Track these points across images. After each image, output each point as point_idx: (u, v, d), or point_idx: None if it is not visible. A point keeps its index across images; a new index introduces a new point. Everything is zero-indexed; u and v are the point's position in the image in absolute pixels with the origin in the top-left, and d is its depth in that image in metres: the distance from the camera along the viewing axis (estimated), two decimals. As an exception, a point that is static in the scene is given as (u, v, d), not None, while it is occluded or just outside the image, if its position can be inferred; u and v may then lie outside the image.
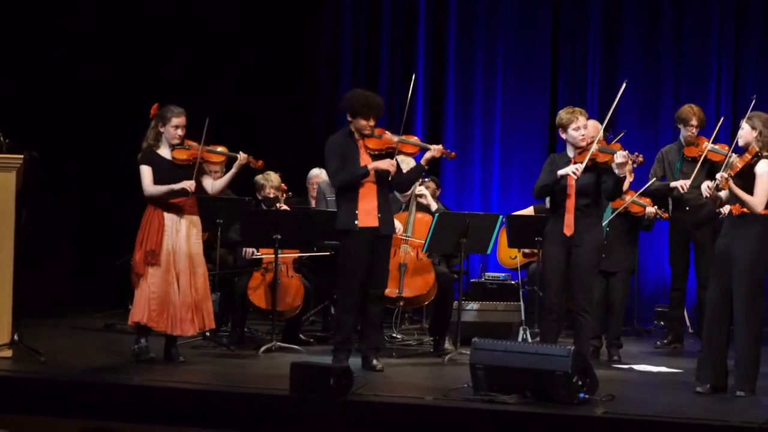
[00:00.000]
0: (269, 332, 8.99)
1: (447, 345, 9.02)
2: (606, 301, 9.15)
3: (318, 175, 10.10)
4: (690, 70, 12.04)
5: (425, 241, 8.85)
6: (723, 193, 7.57)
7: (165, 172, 8.13)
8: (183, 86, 10.73)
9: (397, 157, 8.20)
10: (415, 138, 8.42)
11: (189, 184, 8.09)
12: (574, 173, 7.93)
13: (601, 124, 8.48)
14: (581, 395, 6.89)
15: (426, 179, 9.69)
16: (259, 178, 9.56)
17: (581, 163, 7.97)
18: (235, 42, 12.12)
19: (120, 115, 10.99)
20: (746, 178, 7.38)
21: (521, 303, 9.68)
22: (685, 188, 9.45)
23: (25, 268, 8.12)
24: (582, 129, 8.07)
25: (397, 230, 8.87)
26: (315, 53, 12.60)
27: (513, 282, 10.46)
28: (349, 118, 8.12)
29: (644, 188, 9.38)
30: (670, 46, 12.10)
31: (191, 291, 8.11)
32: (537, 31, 12.32)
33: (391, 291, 8.70)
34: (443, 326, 9.12)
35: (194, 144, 8.22)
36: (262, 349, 8.74)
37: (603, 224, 8.92)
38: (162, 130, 8.19)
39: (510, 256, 10.39)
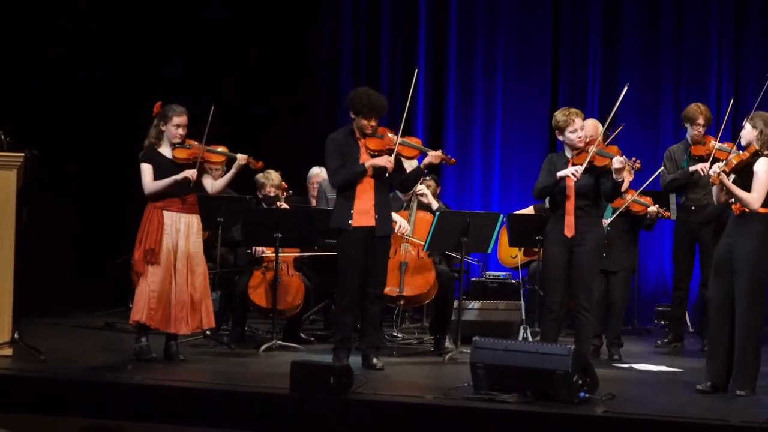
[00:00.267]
0: (270, 331, 8.98)
1: (447, 344, 9.03)
2: (606, 301, 9.15)
3: (318, 174, 10.10)
4: (690, 70, 12.05)
5: (426, 239, 8.85)
6: (714, 189, 7.59)
7: (165, 170, 8.12)
8: (183, 86, 10.72)
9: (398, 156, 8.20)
10: (417, 140, 8.40)
11: (191, 173, 8.07)
12: (573, 174, 7.93)
13: (602, 125, 8.49)
14: (581, 394, 6.88)
15: (426, 178, 9.69)
16: (259, 176, 9.57)
17: (580, 164, 7.97)
18: (235, 42, 12.12)
19: (120, 115, 10.99)
20: (745, 176, 7.38)
21: (522, 302, 9.69)
22: (705, 170, 9.33)
23: (25, 267, 8.12)
24: (579, 131, 8.08)
25: (402, 227, 8.88)
26: (315, 53, 12.61)
27: (513, 281, 10.48)
28: (353, 116, 8.12)
29: (643, 186, 9.38)
30: (670, 46, 12.11)
31: (188, 289, 8.11)
32: (537, 31, 12.33)
33: (391, 290, 8.70)
34: (444, 325, 9.13)
35: (195, 143, 8.22)
36: (263, 347, 8.74)
37: (605, 224, 8.95)
38: (163, 128, 8.19)
39: (511, 255, 10.40)
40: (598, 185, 8.04)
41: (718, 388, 7.42)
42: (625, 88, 8.33)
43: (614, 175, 7.90)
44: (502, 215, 9.13)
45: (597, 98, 12.14)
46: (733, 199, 7.55)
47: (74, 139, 11.04)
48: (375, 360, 8.08)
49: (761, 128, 7.45)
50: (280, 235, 8.78)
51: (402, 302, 9.14)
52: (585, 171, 8.00)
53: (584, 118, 8.28)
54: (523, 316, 9.53)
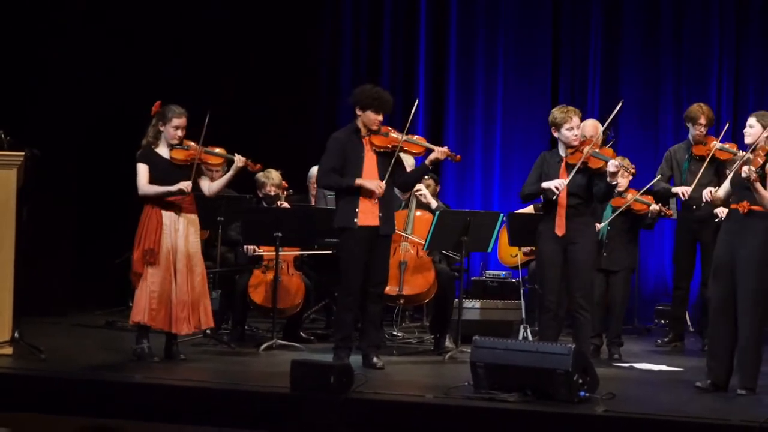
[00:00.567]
0: (270, 330, 8.99)
1: (448, 343, 9.03)
2: (607, 300, 9.15)
3: (319, 173, 10.11)
4: (690, 70, 12.05)
5: (426, 239, 8.85)
6: (722, 192, 7.57)
7: (162, 171, 8.11)
8: (183, 86, 10.72)
9: (399, 154, 8.20)
10: (421, 138, 8.41)
11: (186, 185, 8.06)
12: (556, 188, 7.94)
13: (602, 125, 8.50)
14: (582, 394, 6.87)
15: (426, 177, 9.68)
16: (260, 175, 9.56)
17: (574, 162, 7.96)
18: (235, 42, 12.12)
19: (120, 115, 10.98)
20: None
21: (522, 301, 9.68)
22: (686, 195, 9.42)
23: (25, 266, 8.11)
24: (575, 129, 8.09)
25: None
26: (315, 53, 12.61)
27: (513, 280, 10.48)
28: (359, 112, 8.11)
29: (647, 187, 9.38)
30: (670, 46, 12.11)
31: (188, 289, 8.10)
32: (537, 31, 12.34)
33: (391, 289, 8.70)
34: (444, 324, 9.13)
35: (193, 145, 8.20)
36: (263, 346, 8.73)
37: (604, 223, 8.95)
38: (162, 129, 8.18)
39: (510, 254, 10.40)
40: (591, 186, 8.05)
41: (719, 387, 7.42)
42: (619, 105, 8.33)
43: (609, 179, 7.91)
44: (502, 214, 9.13)
45: (597, 98, 12.14)
46: (730, 198, 7.54)
47: (74, 139, 11.03)
48: (375, 359, 8.08)
49: None
50: (280, 235, 8.77)
51: (402, 301, 9.14)
52: (578, 171, 8.00)
53: (581, 118, 8.29)
54: (523, 315, 9.52)
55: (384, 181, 8.05)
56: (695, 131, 9.66)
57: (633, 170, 8.32)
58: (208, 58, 11.91)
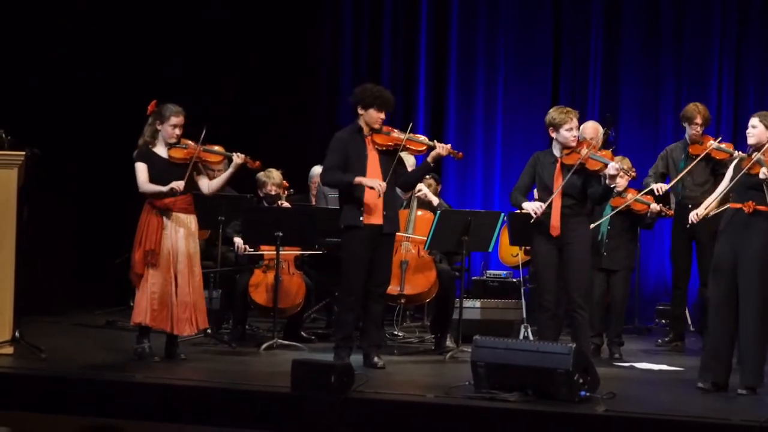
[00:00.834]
0: (270, 329, 8.99)
1: (448, 343, 9.03)
2: (607, 300, 9.15)
3: (320, 173, 10.10)
4: (691, 70, 12.05)
5: (427, 238, 8.85)
6: (712, 204, 7.57)
7: (161, 170, 8.09)
8: (183, 86, 10.72)
9: (400, 154, 8.21)
10: (423, 137, 8.42)
11: (178, 184, 8.04)
12: (534, 212, 7.94)
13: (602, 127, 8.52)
14: (582, 393, 6.87)
15: (427, 177, 9.68)
16: (260, 175, 9.56)
17: (570, 163, 7.96)
18: (235, 42, 12.12)
19: (120, 115, 10.97)
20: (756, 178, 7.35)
21: (522, 301, 9.69)
22: (660, 191, 9.42)
23: (25, 267, 8.10)
24: (575, 130, 8.09)
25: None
26: (315, 53, 12.61)
27: (514, 280, 10.49)
28: (361, 111, 8.11)
29: (647, 189, 9.39)
30: (670, 46, 12.11)
31: (190, 290, 8.10)
32: (538, 31, 12.34)
33: (392, 288, 8.69)
34: (444, 324, 9.13)
35: (191, 143, 8.19)
36: (264, 346, 8.73)
37: (602, 219, 8.95)
38: (159, 128, 8.16)
39: (511, 253, 10.41)
40: (586, 187, 8.05)
41: (720, 386, 7.42)
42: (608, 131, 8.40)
43: (608, 181, 7.90)
44: (503, 214, 9.13)
45: (598, 98, 12.14)
46: (730, 198, 7.54)
47: (74, 139, 11.03)
48: (376, 359, 8.08)
49: None
50: (281, 234, 8.77)
51: (403, 301, 9.14)
52: (575, 172, 8.00)
53: (582, 119, 8.30)
54: (524, 315, 9.53)
55: (386, 180, 8.04)
56: (691, 131, 9.67)
57: (633, 173, 8.32)
58: (208, 58, 11.91)
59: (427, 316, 10.28)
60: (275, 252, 8.85)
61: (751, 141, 7.53)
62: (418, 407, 6.84)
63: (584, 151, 8.01)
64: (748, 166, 7.37)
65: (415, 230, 9.17)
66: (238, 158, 8.20)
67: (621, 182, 8.82)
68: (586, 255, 8.12)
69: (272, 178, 9.57)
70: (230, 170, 8.24)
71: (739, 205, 7.41)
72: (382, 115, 8.09)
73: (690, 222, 7.73)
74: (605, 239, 9.08)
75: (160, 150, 8.18)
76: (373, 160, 8.10)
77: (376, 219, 8.04)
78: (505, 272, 10.87)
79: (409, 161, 8.85)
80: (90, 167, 11.25)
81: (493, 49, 12.43)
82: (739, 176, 7.45)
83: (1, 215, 7.99)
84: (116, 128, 10.98)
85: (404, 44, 12.57)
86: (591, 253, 8.25)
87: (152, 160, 8.12)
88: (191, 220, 8.19)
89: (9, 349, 7.91)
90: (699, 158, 9.48)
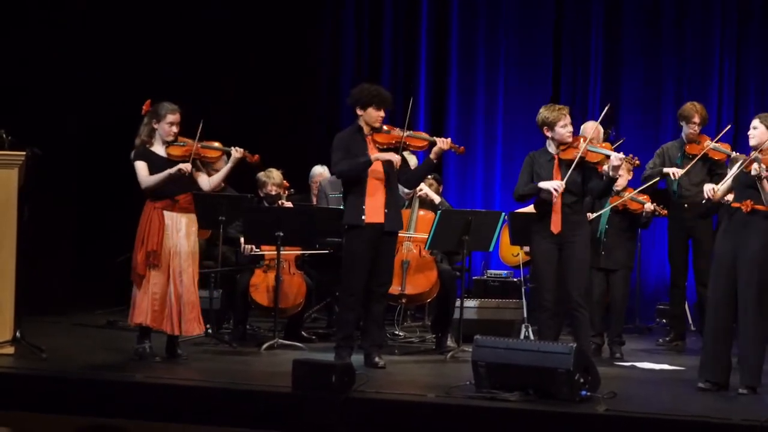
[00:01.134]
0: (271, 329, 8.98)
1: (449, 342, 9.03)
2: (607, 299, 9.15)
3: (321, 173, 10.11)
4: (692, 69, 12.06)
5: (428, 238, 8.85)
6: (724, 189, 7.56)
7: (160, 168, 8.06)
8: (183, 86, 10.72)
9: (403, 153, 8.20)
10: (423, 133, 8.41)
11: (185, 166, 8.00)
12: (555, 190, 7.92)
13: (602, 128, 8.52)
14: (583, 393, 6.87)
15: (428, 176, 9.68)
16: (261, 175, 9.56)
17: (568, 158, 7.94)
18: (235, 42, 12.12)
19: (120, 115, 10.94)
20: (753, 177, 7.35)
21: (523, 300, 9.68)
22: (676, 176, 9.45)
23: (25, 267, 8.10)
24: (569, 125, 8.09)
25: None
26: (315, 53, 12.61)
27: (515, 279, 10.49)
28: (360, 112, 8.10)
29: (643, 186, 9.38)
30: (670, 46, 12.12)
31: (195, 289, 8.09)
32: (538, 31, 12.35)
33: (393, 288, 8.68)
34: (445, 323, 9.13)
35: (188, 140, 8.17)
36: (264, 346, 8.72)
37: (604, 212, 8.95)
38: (156, 126, 8.14)
39: (512, 253, 10.41)
40: (586, 182, 8.04)
41: (720, 386, 7.41)
42: (606, 108, 8.34)
43: (611, 173, 7.89)
44: (503, 214, 9.13)
45: (598, 98, 12.14)
46: (730, 197, 7.54)
47: (74, 139, 11.03)
48: (377, 358, 8.07)
49: None
50: (281, 234, 8.76)
51: (404, 301, 9.14)
52: (574, 167, 8.00)
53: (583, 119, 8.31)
54: (525, 315, 9.53)
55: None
56: (689, 130, 9.67)
57: (637, 162, 8.30)
58: (208, 58, 11.91)
59: (427, 315, 10.28)
60: (276, 252, 8.85)
61: (752, 142, 7.52)
62: (419, 407, 6.83)
63: (582, 144, 8.01)
64: (745, 164, 7.39)
65: (417, 230, 9.17)
66: (236, 152, 8.17)
67: (621, 181, 8.81)
68: (586, 254, 8.11)
69: (272, 178, 9.57)
70: (229, 164, 8.21)
71: (738, 204, 7.42)
72: (382, 113, 8.09)
73: (706, 197, 7.63)
74: (604, 239, 9.07)
75: (158, 149, 8.16)
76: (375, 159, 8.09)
77: (378, 217, 8.03)
78: (505, 272, 10.87)
79: (411, 162, 8.84)
80: (90, 167, 11.26)
81: (494, 49, 12.43)
82: (736, 171, 7.46)
83: (2, 215, 7.98)
84: (116, 128, 10.93)
85: (404, 44, 12.57)
86: (590, 252, 8.25)
87: (151, 159, 8.11)
88: (192, 220, 8.18)
89: (9, 349, 7.90)
90: (697, 158, 9.48)
